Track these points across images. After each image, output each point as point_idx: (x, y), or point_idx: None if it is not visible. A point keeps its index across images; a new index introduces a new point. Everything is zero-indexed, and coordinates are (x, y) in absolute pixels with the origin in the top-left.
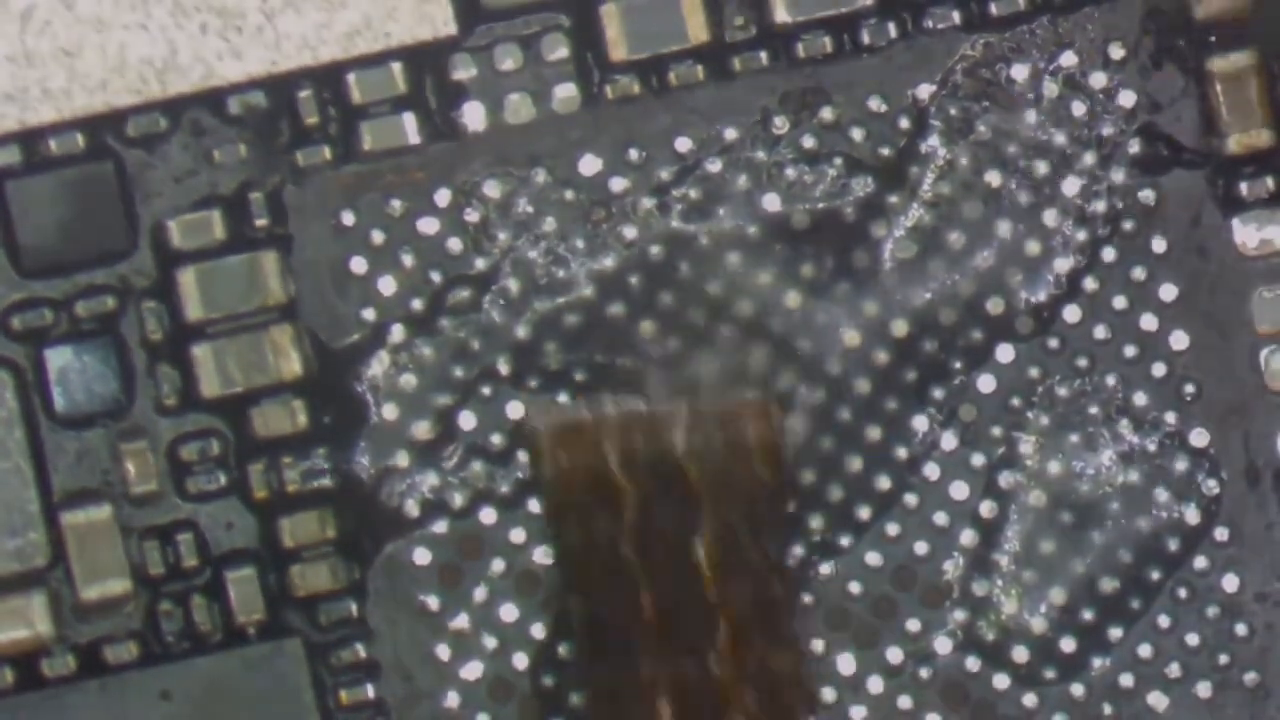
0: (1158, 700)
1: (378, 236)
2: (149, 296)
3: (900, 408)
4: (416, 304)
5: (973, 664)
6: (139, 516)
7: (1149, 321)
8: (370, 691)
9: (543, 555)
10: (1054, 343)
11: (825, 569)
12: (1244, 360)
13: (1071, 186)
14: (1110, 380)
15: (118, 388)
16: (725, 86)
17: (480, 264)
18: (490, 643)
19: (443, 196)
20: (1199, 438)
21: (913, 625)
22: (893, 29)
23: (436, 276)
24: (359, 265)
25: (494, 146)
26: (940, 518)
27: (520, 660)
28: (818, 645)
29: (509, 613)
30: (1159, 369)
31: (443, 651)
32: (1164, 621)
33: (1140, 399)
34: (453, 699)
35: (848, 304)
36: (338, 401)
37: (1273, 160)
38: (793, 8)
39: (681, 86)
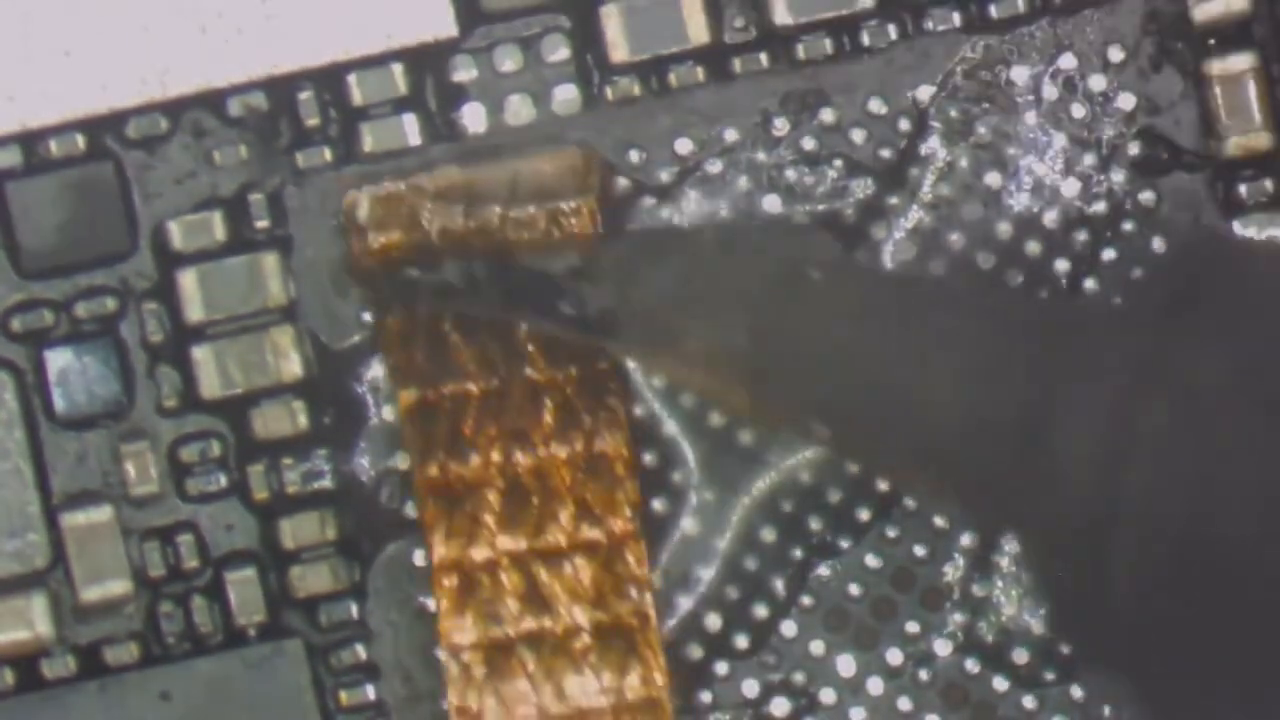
0: None
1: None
2: (149, 298)
3: None
4: None
5: (972, 665)
6: (139, 518)
7: None
8: (370, 692)
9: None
10: None
11: (825, 570)
12: None
13: (1071, 188)
14: None
15: (118, 389)
16: (726, 88)
17: None
18: None
19: None
20: None
21: (912, 627)
22: (893, 31)
23: None
24: None
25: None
26: (940, 519)
27: None
28: (818, 646)
29: None
30: None
31: (442, 652)
32: None
33: None
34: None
35: None
36: (338, 403)
37: (1272, 163)
38: (793, 9)
39: (682, 88)
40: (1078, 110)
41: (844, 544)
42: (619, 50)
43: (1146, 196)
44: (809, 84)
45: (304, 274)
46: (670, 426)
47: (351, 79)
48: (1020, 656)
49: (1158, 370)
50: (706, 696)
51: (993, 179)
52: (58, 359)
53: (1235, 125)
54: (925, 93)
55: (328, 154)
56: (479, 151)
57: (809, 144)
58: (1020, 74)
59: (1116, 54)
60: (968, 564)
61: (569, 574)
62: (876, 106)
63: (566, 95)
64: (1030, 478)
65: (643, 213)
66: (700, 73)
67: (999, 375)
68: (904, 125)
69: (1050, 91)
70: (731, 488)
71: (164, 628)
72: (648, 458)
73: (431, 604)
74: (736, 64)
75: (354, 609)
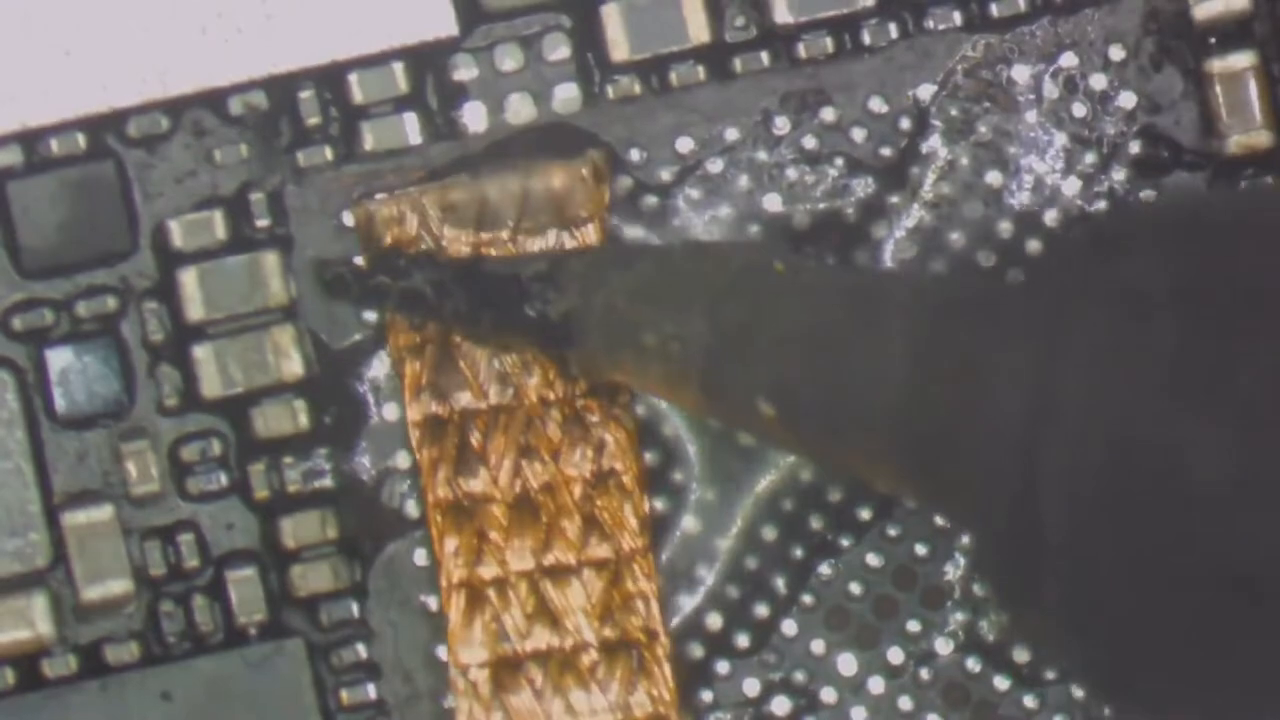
0: None
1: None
2: (150, 297)
3: None
4: None
5: (973, 664)
6: (140, 517)
7: None
8: (371, 692)
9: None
10: None
11: (825, 569)
12: None
13: (1072, 187)
14: None
15: (119, 388)
16: (726, 87)
17: None
18: None
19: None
20: None
21: (913, 626)
22: (894, 29)
23: None
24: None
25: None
26: (940, 518)
27: None
28: (819, 645)
29: None
30: None
31: (443, 651)
32: None
33: None
34: (454, 699)
35: None
36: (339, 402)
37: (1273, 162)
38: (793, 8)
39: (682, 87)
40: (1078, 109)
41: (845, 543)
42: (620, 49)
43: (1147, 195)
44: (810, 83)
45: (305, 273)
46: (671, 425)
47: (352, 78)
48: (1021, 655)
49: (1065, 326)
50: (707, 695)
51: (994, 178)
52: (58, 358)
53: (1236, 124)
54: (926, 91)
55: (328, 153)
56: (485, 157)
57: (810, 143)
58: (1021, 73)
59: (1117, 53)
60: (968, 563)
61: (577, 589)
62: (877, 105)
63: (567, 94)
64: (963, 443)
65: (644, 212)
66: (701, 71)
67: (932, 348)
68: (905, 124)
69: (1051, 90)
70: (733, 486)
71: (165, 627)
72: (649, 456)
73: (433, 603)
74: (737, 63)
75: (355, 608)
